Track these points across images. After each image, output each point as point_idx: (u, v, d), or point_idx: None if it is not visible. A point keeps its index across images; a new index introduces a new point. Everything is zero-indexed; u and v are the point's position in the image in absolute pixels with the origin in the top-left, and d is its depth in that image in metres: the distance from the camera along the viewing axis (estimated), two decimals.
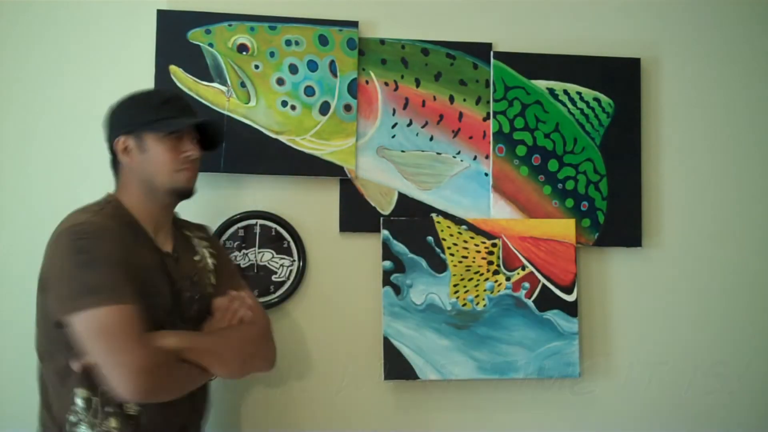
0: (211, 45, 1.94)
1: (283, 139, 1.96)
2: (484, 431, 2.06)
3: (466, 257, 2.01)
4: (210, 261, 1.65)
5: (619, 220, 2.10)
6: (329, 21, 1.99)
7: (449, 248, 2.00)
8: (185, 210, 1.81)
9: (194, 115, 1.61)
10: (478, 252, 2.02)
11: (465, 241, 2.01)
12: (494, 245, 2.02)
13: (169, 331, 1.46)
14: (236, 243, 1.94)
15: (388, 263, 1.98)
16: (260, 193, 1.98)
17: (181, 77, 1.92)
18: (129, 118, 1.55)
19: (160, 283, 1.50)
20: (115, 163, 1.58)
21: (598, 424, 2.11)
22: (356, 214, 2.00)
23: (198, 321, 1.58)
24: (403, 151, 2.04)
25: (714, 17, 2.23)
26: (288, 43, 1.98)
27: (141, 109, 1.55)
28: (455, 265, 2.00)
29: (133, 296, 1.39)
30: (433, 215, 2.02)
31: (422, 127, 2.05)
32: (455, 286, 2.00)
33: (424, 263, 1.99)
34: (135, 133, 1.53)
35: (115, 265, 1.39)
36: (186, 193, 1.58)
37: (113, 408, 1.42)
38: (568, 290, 2.04)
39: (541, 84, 2.09)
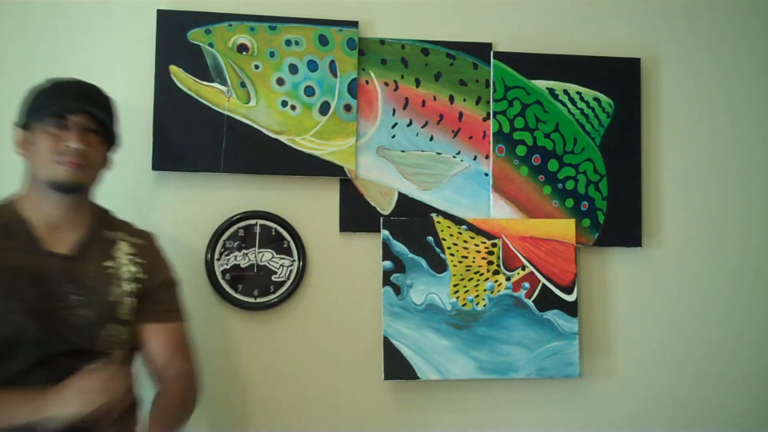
0: (211, 45, 1.94)
1: (283, 139, 1.96)
2: (484, 431, 2.06)
3: (466, 257, 2.01)
4: (127, 269, 1.53)
5: (619, 220, 2.10)
6: (329, 21, 1.99)
7: (449, 248, 2.00)
8: (185, 209, 1.82)
9: (92, 103, 1.47)
10: (478, 252, 2.02)
11: (465, 241, 2.01)
12: (494, 245, 2.02)
13: None
14: (236, 243, 1.94)
15: (388, 263, 1.98)
16: (260, 193, 1.98)
17: (181, 77, 1.92)
18: (24, 109, 1.50)
19: (25, 285, 1.41)
20: None
21: (598, 424, 2.11)
22: (356, 214, 2.00)
23: (89, 328, 1.46)
24: (403, 151, 2.04)
25: (714, 17, 2.23)
26: (288, 43, 1.98)
27: (35, 99, 1.48)
28: (455, 265, 2.00)
29: None
30: (433, 215, 2.02)
31: (422, 127, 2.05)
32: (455, 286, 2.00)
33: (424, 263, 1.99)
34: (26, 124, 1.48)
35: None
36: (65, 187, 1.44)
37: None
38: (568, 290, 2.04)
39: (541, 84, 2.09)
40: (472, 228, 2.02)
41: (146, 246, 1.60)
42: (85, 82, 1.55)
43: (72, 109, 1.45)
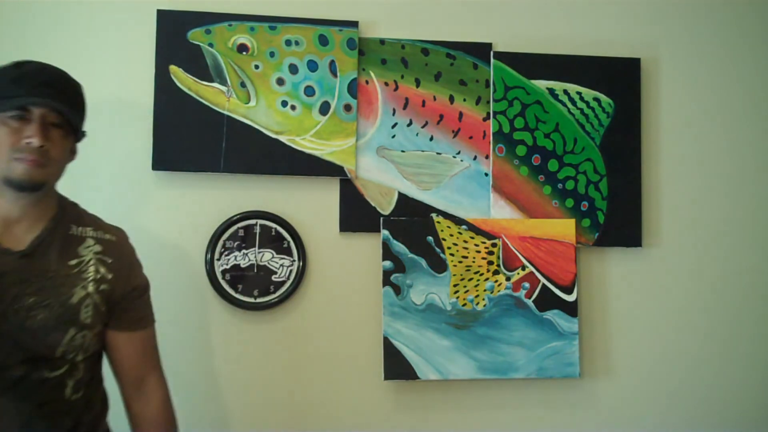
0: (211, 45, 1.94)
1: (283, 139, 1.96)
2: (484, 431, 2.06)
3: (466, 257, 2.01)
4: (94, 269, 1.40)
5: (619, 220, 2.10)
6: (329, 21, 1.99)
7: (449, 248, 2.00)
8: (185, 209, 1.81)
9: (57, 95, 1.36)
10: (478, 252, 2.02)
11: (465, 241, 2.01)
12: (494, 245, 2.02)
13: None
14: (236, 243, 1.94)
15: (388, 263, 1.98)
16: (260, 193, 1.98)
17: (181, 77, 1.92)
18: None
19: None
20: None
21: (598, 424, 2.11)
22: (356, 214, 2.00)
23: (48, 332, 1.33)
24: (403, 151, 2.04)
25: (714, 17, 2.23)
26: (288, 43, 1.98)
27: None
28: (455, 265, 2.00)
29: None
30: (433, 215, 2.02)
31: (422, 127, 2.05)
32: (455, 286, 2.00)
33: (424, 263, 1.99)
34: None
35: None
36: (24, 186, 1.32)
37: None
38: (568, 290, 2.04)
39: (541, 84, 2.09)
40: (472, 228, 2.02)
41: (116, 244, 1.47)
42: (51, 69, 1.42)
43: (35, 103, 1.33)
